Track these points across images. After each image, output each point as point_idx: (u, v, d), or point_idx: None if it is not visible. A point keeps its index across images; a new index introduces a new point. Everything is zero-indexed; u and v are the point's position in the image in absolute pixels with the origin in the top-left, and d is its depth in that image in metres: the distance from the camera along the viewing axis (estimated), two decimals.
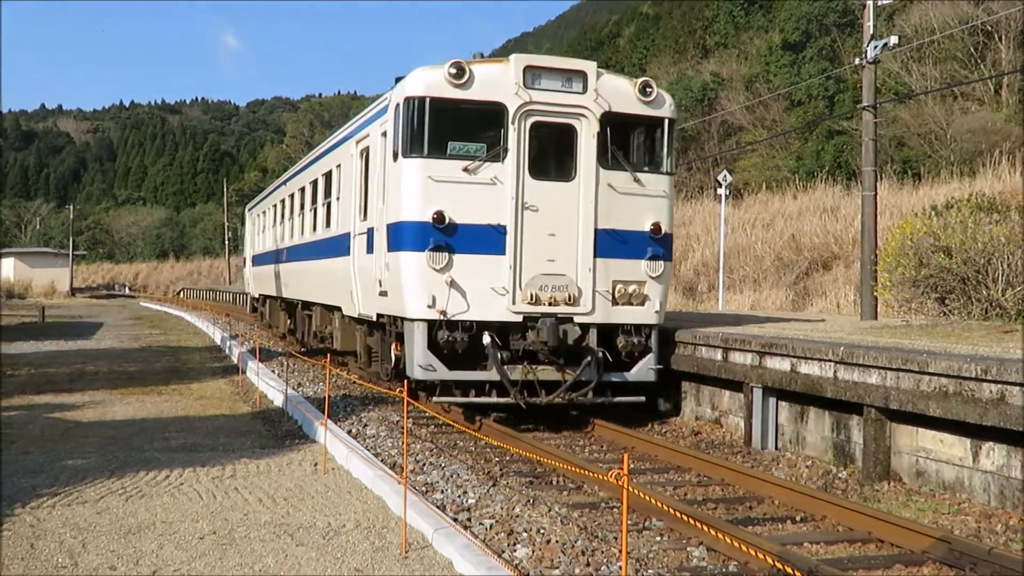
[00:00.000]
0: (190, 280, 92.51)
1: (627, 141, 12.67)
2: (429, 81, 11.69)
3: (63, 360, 22.13)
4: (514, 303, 11.71)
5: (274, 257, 24.99)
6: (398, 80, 12.45)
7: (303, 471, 9.94)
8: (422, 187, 11.58)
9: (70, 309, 55.01)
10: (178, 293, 76.80)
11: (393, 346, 12.64)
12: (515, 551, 7.11)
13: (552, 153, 12.35)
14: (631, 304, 12.22)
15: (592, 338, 12.07)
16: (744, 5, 64.85)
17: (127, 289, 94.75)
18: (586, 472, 8.90)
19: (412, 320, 11.69)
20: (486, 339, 11.63)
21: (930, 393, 9.01)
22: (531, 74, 11.82)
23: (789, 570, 4.75)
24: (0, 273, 75.06)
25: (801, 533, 7.97)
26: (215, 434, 12.20)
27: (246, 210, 35.69)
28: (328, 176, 17.43)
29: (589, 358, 11.93)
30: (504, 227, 11.68)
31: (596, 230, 11.99)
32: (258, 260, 29.26)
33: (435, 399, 12.02)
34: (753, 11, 64.15)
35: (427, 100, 11.63)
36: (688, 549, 7.35)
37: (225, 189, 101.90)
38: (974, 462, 8.87)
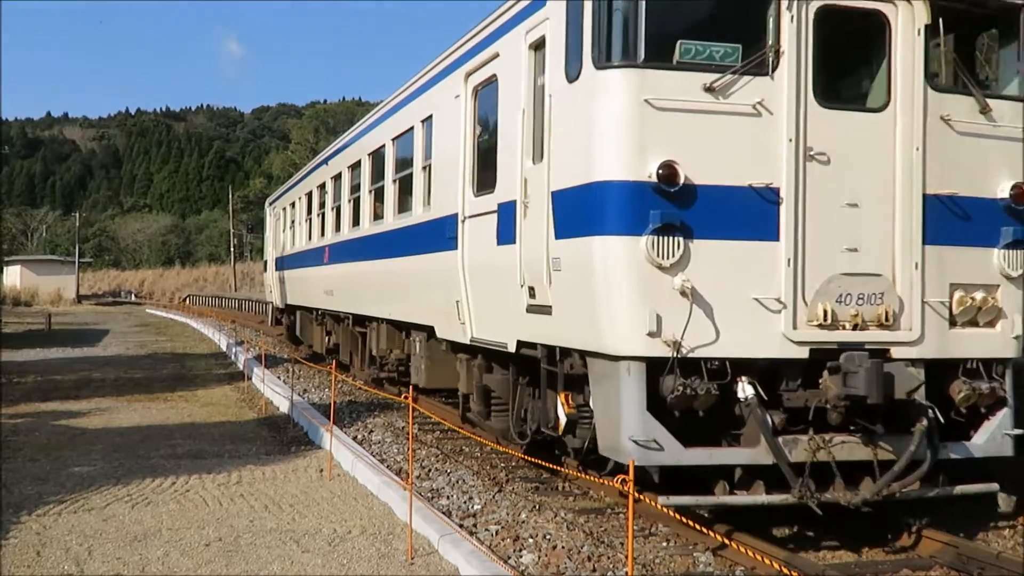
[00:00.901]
0: (196, 287, 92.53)
1: (965, 45, 8.06)
2: None
3: (69, 367, 22.20)
4: (795, 326, 7.05)
5: (310, 257, 20.07)
6: None
7: (309, 477, 9.95)
8: (636, 119, 6.92)
9: (76, 316, 55.16)
10: (184, 300, 76.89)
11: (561, 400, 7.92)
12: (521, 557, 7.11)
13: (849, 63, 8.02)
14: (976, 324, 7.53)
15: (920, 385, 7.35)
16: None
17: (133, 296, 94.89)
18: (591, 478, 8.87)
19: (617, 358, 7.00)
20: (745, 391, 6.97)
21: None
22: None
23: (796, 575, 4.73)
24: (6, 281, 75.29)
25: (808, 537, 7.96)
26: (221, 441, 12.22)
27: (267, 204, 30.96)
28: (404, 138, 12.52)
29: (924, 421, 7.14)
30: (776, 191, 7.05)
31: (924, 196, 7.38)
32: (285, 263, 24.11)
33: (662, 501, 6.64)
34: None
35: None
36: (695, 555, 7.33)
37: (231, 196, 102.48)
38: None
